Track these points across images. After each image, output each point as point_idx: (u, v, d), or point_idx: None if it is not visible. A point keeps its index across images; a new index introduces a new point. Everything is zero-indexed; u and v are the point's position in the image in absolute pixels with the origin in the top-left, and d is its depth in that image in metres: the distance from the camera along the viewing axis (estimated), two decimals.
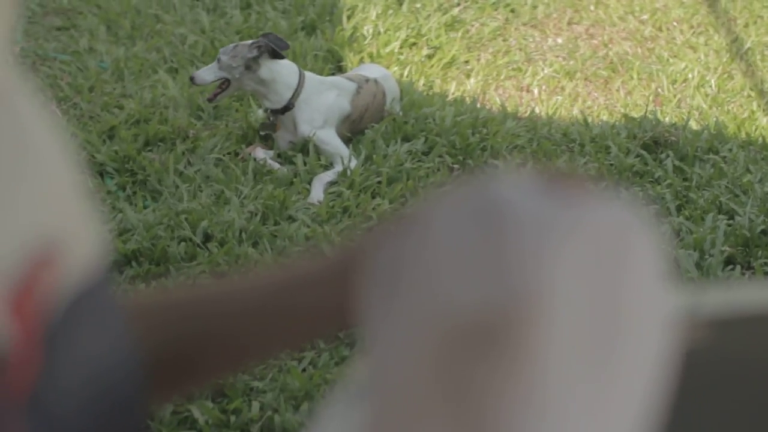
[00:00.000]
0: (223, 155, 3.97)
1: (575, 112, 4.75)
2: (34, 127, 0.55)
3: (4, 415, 0.50)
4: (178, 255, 3.25)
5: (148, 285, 2.89)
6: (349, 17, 5.36)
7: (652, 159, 4.07)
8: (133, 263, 3.23)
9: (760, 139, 4.42)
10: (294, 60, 4.29)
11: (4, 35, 0.54)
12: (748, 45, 5.55)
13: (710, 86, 5.08)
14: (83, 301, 0.56)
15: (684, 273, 3.22)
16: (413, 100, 4.50)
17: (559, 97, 4.91)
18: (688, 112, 4.73)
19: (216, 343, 0.71)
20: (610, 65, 5.30)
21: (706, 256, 3.35)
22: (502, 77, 5.13)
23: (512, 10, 5.89)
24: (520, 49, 5.47)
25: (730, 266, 3.34)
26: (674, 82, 5.13)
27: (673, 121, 4.56)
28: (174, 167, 3.82)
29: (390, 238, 0.58)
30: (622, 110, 4.75)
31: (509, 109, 4.68)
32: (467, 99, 4.76)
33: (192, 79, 4.09)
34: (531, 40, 5.63)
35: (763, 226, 3.51)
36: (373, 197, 3.73)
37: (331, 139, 4.04)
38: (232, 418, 2.56)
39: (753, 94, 5.03)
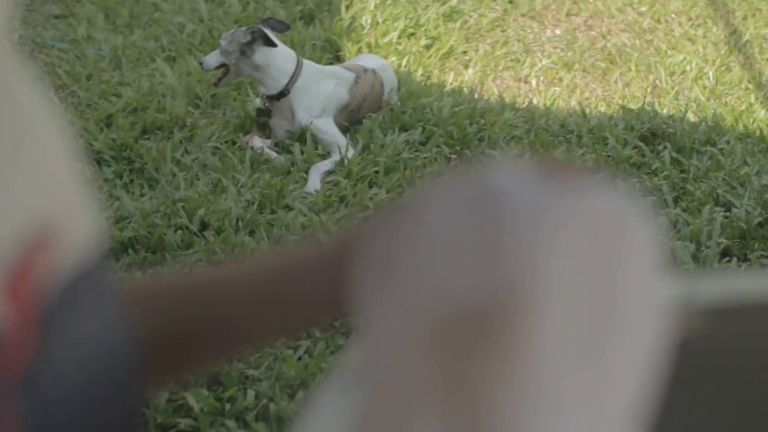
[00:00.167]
0: (221, 144, 3.97)
1: (573, 103, 4.75)
2: (33, 114, 0.55)
3: None
4: (175, 243, 3.25)
5: (145, 273, 2.89)
6: (347, 7, 5.35)
7: (649, 150, 4.08)
8: (130, 251, 3.23)
9: (758, 131, 4.42)
10: (292, 49, 4.29)
11: (3, 23, 0.54)
12: (746, 37, 5.55)
13: (708, 78, 5.08)
14: (79, 284, 0.56)
15: (680, 264, 3.22)
16: (411, 90, 4.49)
17: (557, 89, 4.91)
18: (686, 104, 4.73)
19: (211, 328, 0.71)
20: (608, 57, 5.30)
21: (703, 248, 3.35)
22: (500, 68, 5.12)
23: (511, 1, 5.88)
24: (519, 40, 5.47)
25: (727, 258, 3.34)
26: (672, 74, 5.13)
27: (671, 113, 4.56)
28: (171, 155, 3.81)
29: (385, 226, 0.58)
30: (620, 102, 4.75)
31: (507, 100, 4.67)
32: (465, 89, 4.76)
33: (201, 64, 4.20)
34: (529, 31, 5.62)
35: (759, 219, 3.51)
36: (370, 187, 3.73)
37: (328, 129, 4.04)
38: (228, 406, 2.56)
39: (751, 86, 5.03)
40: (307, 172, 3.81)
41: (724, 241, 3.39)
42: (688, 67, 5.17)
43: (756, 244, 3.40)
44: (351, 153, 3.93)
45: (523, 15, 5.79)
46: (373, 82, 4.25)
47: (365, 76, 4.22)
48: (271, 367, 2.68)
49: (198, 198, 3.48)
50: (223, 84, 4.19)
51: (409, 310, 0.55)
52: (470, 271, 0.54)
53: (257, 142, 3.99)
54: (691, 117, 4.54)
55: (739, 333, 0.79)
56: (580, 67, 5.18)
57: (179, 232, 3.31)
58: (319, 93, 4.08)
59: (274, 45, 4.04)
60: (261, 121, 4.16)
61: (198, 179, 3.69)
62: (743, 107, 4.74)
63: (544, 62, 5.19)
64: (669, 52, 5.38)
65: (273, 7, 5.34)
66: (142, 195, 3.59)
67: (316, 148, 3.97)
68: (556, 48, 5.40)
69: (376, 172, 3.80)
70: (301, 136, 4.03)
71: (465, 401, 0.54)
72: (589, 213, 0.57)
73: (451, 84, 4.85)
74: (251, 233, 3.36)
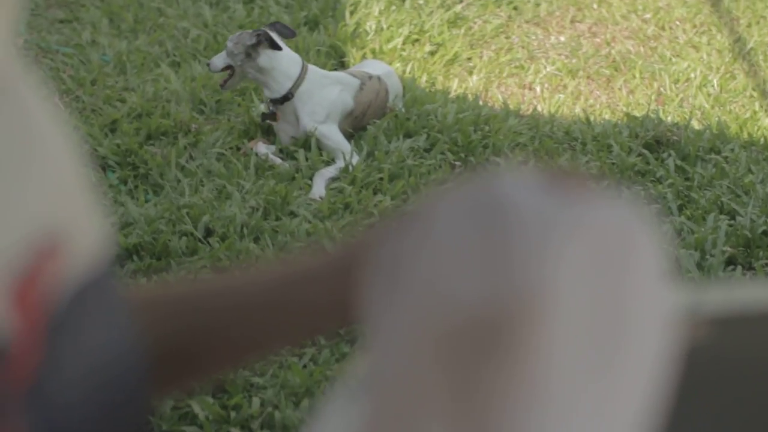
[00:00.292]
0: (225, 150, 3.97)
1: (577, 110, 4.74)
2: (38, 119, 0.55)
3: (5, 404, 0.50)
4: (180, 249, 3.25)
5: (149, 279, 2.89)
6: (352, 13, 5.35)
7: (653, 158, 4.07)
8: (135, 257, 3.23)
9: (762, 139, 4.42)
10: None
11: (8, 27, 0.54)
12: (750, 45, 5.55)
13: (713, 86, 5.08)
14: (87, 292, 0.56)
15: (685, 273, 3.22)
16: (415, 96, 4.50)
17: (562, 96, 4.91)
18: (691, 112, 4.73)
19: (217, 337, 0.71)
20: (612, 64, 5.30)
21: (707, 257, 3.35)
22: (505, 75, 5.12)
23: (515, 8, 5.88)
24: (523, 47, 5.46)
25: (731, 267, 3.34)
26: (677, 81, 5.12)
27: (675, 121, 4.56)
28: (176, 161, 3.82)
29: (391, 234, 0.58)
30: (625, 109, 4.74)
31: (511, 107, 4.67)
32: (469, 96, 4.76)
33: (208, 65, 4.22)
34: (534, 37, 5.62)
35: (764, 227, 3.51)
36: (375, 193, 3.73)
37: (333, 135, 4.04)
38: (233, 414, 2.56)
39: (755, 94, 5.02)
40: (311, 179, 3.82)
41: (729, 249, 3.38)
42: (692, 75, 5.16)
43: (761, 253, 3.40)
44: (355, 159, 3.93)
45: (527, 21, 5.79)
46: (378, 89, 4.25)
47: (370, 82, 4.22)
48: (276, 375, 2.68)
49: (202, 204, 3.48)
50: (229, 86, 4.19)
51: (417, 318, 0.55)
52: (478, 279, 0.54)
53: (262, 148, 4.00)
54: (696, 125, 4.53)
55: (745, 342, 0.79)
56: (584, 74, 5.18)
57: (184, 238, 3.31)
58: (323, 98, 4.09)
59: (279, 48, 4.05)
60: (266, 126, 4.16)
61: (202, 185, 3.69)
62: (748, 115, 4.74)
63: (548, 69, 5.19)
64: (673, 60, 5.38)
65: (277, 12, 5.34)
66: (146, 201, 3.59)
67: (321, 155, 3.97)
68: (560, 55, 5.40)
69: (381, 178, 3.80)
70: (306, 142, 4.03)
71: (472, 410, 0.54)
72: (596, 222, 0.57)
73: (455, 91, 4.85)
74: (256, 240, 3.36)
